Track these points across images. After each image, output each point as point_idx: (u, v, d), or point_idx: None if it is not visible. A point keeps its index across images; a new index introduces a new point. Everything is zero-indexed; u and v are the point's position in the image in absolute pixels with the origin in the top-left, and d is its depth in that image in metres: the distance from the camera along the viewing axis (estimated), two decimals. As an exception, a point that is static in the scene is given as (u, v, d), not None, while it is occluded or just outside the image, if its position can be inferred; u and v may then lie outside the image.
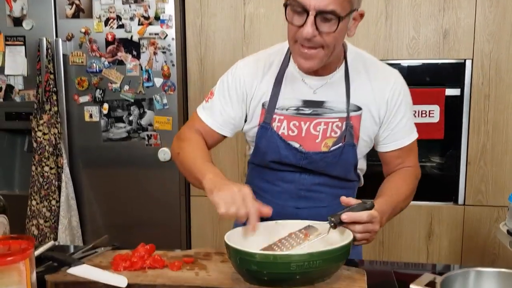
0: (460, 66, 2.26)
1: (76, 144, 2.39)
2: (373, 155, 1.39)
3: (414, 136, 1.33)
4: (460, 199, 2.33)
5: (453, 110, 2.28)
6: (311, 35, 1.09)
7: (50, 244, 1.37)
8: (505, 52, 2.21)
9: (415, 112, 2.26)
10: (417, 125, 2.29)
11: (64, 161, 2.30)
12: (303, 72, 1.23)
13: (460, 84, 2.27)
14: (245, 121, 1.34)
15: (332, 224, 1.07)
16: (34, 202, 2.30)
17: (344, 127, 1.25)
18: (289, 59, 1.28)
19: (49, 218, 2.27)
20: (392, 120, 1.28)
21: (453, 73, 2.28)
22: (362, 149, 1.31)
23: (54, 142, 2.29)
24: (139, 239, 2.39)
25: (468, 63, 2.25)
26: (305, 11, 1.07)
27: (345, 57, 1.26)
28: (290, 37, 1.15)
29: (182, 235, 2.42)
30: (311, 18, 1.07)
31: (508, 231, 1.50)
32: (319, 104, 1.26)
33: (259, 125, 1.29)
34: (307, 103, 1.26)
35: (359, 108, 1.26)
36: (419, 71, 2.31)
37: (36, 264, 1.14)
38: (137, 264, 1.12)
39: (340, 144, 1.26)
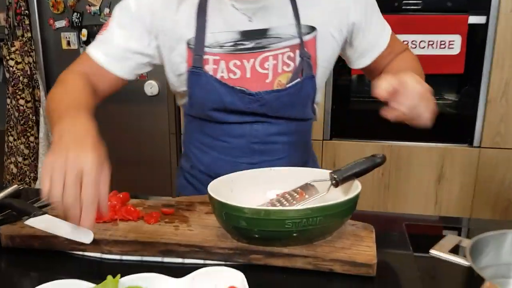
0: (487, -10, 2.00)
1: (54, 75, 2.17)
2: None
3: (388, 29, 1.13)
4: (476, 141, 2.15)
5: (475, 40, 2.04)
6: None
7: (12, 188, 1.20)
8: (540, -27, 1.94)
9: (433, 42, 2.02)
10: (435, 57, 2.06)
11: (41, 93, 2.09)
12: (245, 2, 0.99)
13: (485, 10, 2.01)
14: (161, 63, 1.09)
15: (334, 181, 0.87)
16: (11, 138, 2.12)
17: (298, 57, 1.03)
18: None
19: (28, 156, 2.10)
20: (368, 22, 1.07)
21: (478, -2, 2.02)
22: (321, 79, 1.09)
23: (29, 73, 2.07)
24: (128, 179, 2.25)
25: (496, -13, 1.98)
26: None
27: None
28: None
29: (173, 176, 2.27)
30: None
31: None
32: (261, 33, 1.01)
33: (188, 71, 1.03)
34: (246, 34, 1.01)
35: (313, 29, 1.03)
36: (440, -5, 2.05)
37: (-7, 213, 0.99)
38: (106, 216, 0.95)
39: (297, 80, 1.04)
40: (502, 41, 2.02)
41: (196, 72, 1.02)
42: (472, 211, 2.17)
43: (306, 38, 1.03)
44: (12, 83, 2.05)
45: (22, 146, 2.08)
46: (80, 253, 0.89)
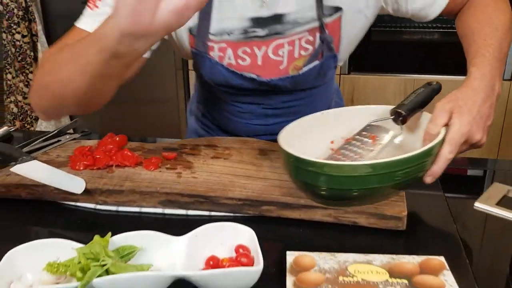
0: None
1: (51, 7, 2.02)
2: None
3: None
4: (507, 73, 1.98)
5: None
6: None
7: (2, 130, 1.11)
8: None
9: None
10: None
11: (39, 27, 1.95)
12: None
13: None
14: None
15: (401, 117, 0.73)
16: (9, 76, 2.01)
17: (318, 40, 0.92)
18: None
19: (28, 94, 1.99)
20: None
21: None
22: (349, 48, 0.98)
23: (23, 5, 1.92)
24: (135, 118, 2.15)
25: None
26: None
27: None
28: None
29: (181, 115, 2.16)
30: None
31: None
32: (275, 19, 0.89)
33: (192, 51, 0.94)
34: (258, 21, 0.89)
35: (337, 9, 0.90)
36: None
37: (-19, 158, 0.90)
38: (100, 162, 0.85)
39: (316, 62, 0.93)
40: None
41: (199, 53, 0.93)
42: (500, 148, 2.05)
43: (328, 20, 0.90)
44: (7, 17, 1.91)
45: (21, 84, 1.98)
46: (73, 203, 0.81)
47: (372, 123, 0.79)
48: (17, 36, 1.93)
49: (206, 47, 0.92)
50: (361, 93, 2.11)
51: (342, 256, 0.59)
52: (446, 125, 0.68)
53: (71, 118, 2.15)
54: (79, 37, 0.72)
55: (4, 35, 1.96)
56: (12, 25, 1.90)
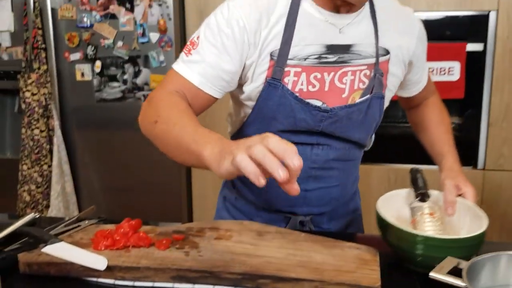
0: (484, 19, 2.07)
1: (67, 105, 2.25)
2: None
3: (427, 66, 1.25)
4: (480, 164, 2.18)
5: (474, 67, 2.09)
6: None
7: (29, 217, 1.25)
8: (536, 2, 2.00)
9: (433, 69, 2.09)
10: (436, 84, 2.11)
11: (56, 123, 2.16)
12: (356, 2, 0.97)
13: (483, 38, 2.08)
14: (242, 78, 1.04)
15: (426, 197, 1.06)
16: (25, 167, 2.18)
17: (372, 74, 1.04)
18: None
19: (41, 184, 2.16)
20: (421, 59, 1.14)
21: (475, 27, 2.09)
22: (386, 103, 1.14)
23: (44, 103, 2.15)
24: (138, 206, 2.30)
25: (493, 15, 2.05)
26: None
27: None
28: None
29: (183, 201, 2.31)
30: None
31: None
32: (346, 48, 1.02)
33: (266, 82, 1.00)
34: (332, 48, 1.01)
35: (387, 52, 1.05)
36: (438, 24, 2.12)
37: (12, 240, 1.04)
38: (119, 243, 0.99)
39: (367, 96, 1.05)
40: (500, 67, 2.07)
41: (273, 83, 1.00)
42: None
43: (382, 59, 1.05)
44: (28, 114, 2.13)
45: (35, 175, 2.15)
46: (94, 279, 0.93)
47: (412, 205, 1.04)
48: (36, 131, 2.14)
49: (283, 72, 0.99)
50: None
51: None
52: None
53: (80, 209, 2.31)
54: (177, 82, 0.97)
55: (23, 130, 2.16)
56: (32, 121, 2.12)
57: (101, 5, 2.14)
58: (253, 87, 1.03)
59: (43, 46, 2.16)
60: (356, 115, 1.05)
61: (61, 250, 0.97)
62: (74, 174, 2.29)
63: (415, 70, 1.15)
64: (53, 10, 2.17)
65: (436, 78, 2.07)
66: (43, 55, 2.16)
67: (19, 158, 2.22)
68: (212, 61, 0.97)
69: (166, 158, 2.44)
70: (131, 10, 2.12)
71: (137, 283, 0.91)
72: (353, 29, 1.02)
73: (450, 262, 0.79)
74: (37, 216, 1.27)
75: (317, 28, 1.00)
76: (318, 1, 1.00)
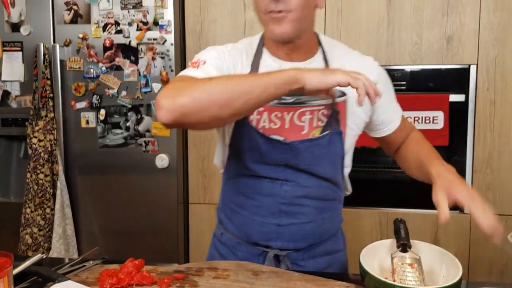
0: (465, 72, 2.21)
1: (72, 150, 2.35)
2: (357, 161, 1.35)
3: (400, 108, 1.34)
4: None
5: (457, 116, 2.22)
6: None
7: (37, 257, 1.32)
8: (511, 57, 2.15)
9: (419, 118, 2.21)
10: (421, 131, 2.25)
11: (60, 168, 2.26)
12: (277, 39, 1.14)
13: (464, 89, 2.21)
14: None
15: (407, 247, 1.11)
16: (28, 210, 2.26)
17: (330, 113, 1.17)
18: (262, 50, 1.20)
19: (43, 227, 2.23)
20: (386, 100, 1.20)
21: (457, 79, 2.23)
22: (349, 140, 1.23)
23: (49, 149, 2.25)
24: (136, 248, 2.36)
25: (473, 69, 2.19)
26: None
27: (320, 43, 1.22)
28: (260, 9, 1.11)
29: (180, 244, 2.38)
30: None
31: (515, 244, 1.44)
32: (302, 90, 1.17)
33: (235, 122, 1.16)
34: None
35: (344, 94, 1.18)
36: (422, 76, 2.26)
37: (20, 280, 1.11)
38: (124, 281, 1.07)
39: (327, 131, 1.17)
40: (481, 116, 2.20)
41: (241, 122, 1.14)
42: (469, 276, 2.25)
43: (338, 100, 1.17)
44: (34, 159, 2.23)
45: (38, 218, 2.22)
46: (101, 315, 1.01)
47: (393, 255, 1.10)
48: (41, 176, 2.23)
49: None
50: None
51: None
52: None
53: (79, 251, 2.37)
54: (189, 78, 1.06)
55: (28, 175, 2.25)
56: (38, 166, 2.21)
57: (107, 57, 2.28)
58: (226, 129, 1.20)
59: (51, 95, 2.28)
60: (318, 150, 1.17)
61: (69, 288, 1.05)
62: (74, 217, 2.36)
63: (380, 110, 1.24)
64: (62, 61, 2.30)
65: (421, 126, 2.20)
66: (51, 103, 2.28)
67: (23, 201, 2.29)
68: (215, 73, 1.12)
69: (165, 202, 2.53)
70: (135, 62, 2.26)
71: (140, 319, 0.99)
72: None
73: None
74: (44, 257, 1.35)
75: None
76: (273, 51, 1.19)
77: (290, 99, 1.15)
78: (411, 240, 1.12)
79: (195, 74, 1.09)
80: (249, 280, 1.08)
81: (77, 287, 1.05)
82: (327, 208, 1.25)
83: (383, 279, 0.98)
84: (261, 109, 1.14)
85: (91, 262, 1.25)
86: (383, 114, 1.27)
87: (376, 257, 1.12)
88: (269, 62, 1.18)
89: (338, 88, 1.15)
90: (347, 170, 1.30)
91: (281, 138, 1.16)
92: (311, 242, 1.25)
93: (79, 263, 1.25)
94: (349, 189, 1.35)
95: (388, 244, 1.18)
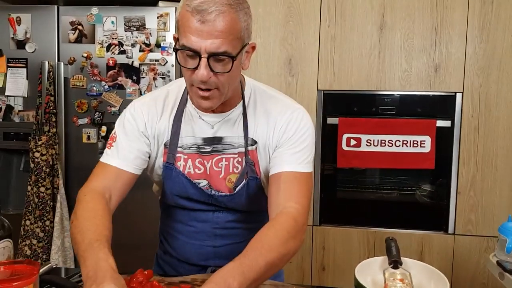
0: (451, 99, 2.33)
1: (72, 165, 2.42)
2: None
3: (307, 168, 1.20)
4: (450, 229, 2.37)
5: (444, 141, 2.34)
6: (206, 77, 1.06)
7: (48, 266, 1.38)
8: (494, 86, 2.29)
9: (407, 142, 2.32)
10: (409, 154, 2.36)
11: (60, 181, 2.32)
12: (203, 111, 1.21)
13: (450, 116, 2.34)
14: (148, 166, 1.28)
15: (398, 264, 1.21)
16: (28, 222, 2.30)
17: (244, 163, 1.24)
18: (187, 98, 1.25)
19: (42, 239, 2.27)
20: (284, 145, 1.22)
21: (444, 105, 2.35)
22: (266, 179, 1.25)
23: (51, 163, 2.32)
24: (133, 261, 2.40)
25: (459, 96, 2.32)
26: (198, 54, 1.04)
27: (242, 93, 1.25)
28: (186, 79, 1.12)
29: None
30: (204, 61, 1.04)
31: (497, 262, 1.54)
32: (218, 140, 1.24)
33: (163, 165, 1.25)
34: (207, 140, 1.24)
35: (255, 142, 1.24)
36: (411, 102, 2.38)
37: (34, 288, 1.17)
38: (134, 290, 1.14)
39: (243, 182, 1.24)
40: (466, 141, 2.32)
41: (169, 166, 1.24)
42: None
43: (250, 148, 1.24)
44: (36, 173, 2.28)
45: (38, 230, 2.27)
46: (114, 322, 1.07)
47: (385, 271, 1.18)
48: (42, 189, 2.29)
49: (174, 157, 1.23)
50: (331, 242, 2.45)
51: None
52: None
53: (76, 264, 2.41)
54: (102, 173, 1.18)
55: (29, 187, 2.31)
56: (40, 179, 2.27)
57: (110, 76, 2.37)
58: (156, 167, 1.28)
59: (54, 111, 2.36)
60: (238, 199, 1.25)
61: (83, 296, 1.11)
62: (73, 231, 2.40)
63: (274, 153, 1.23)
64: (65, 79, 2.38)
65: (410, 150, 2.31)
66: (53, 119, 2.35)
67: (22, 213, 2.34)
68: (125, 146, 1.22)
69: (151, 218, 2.55)
70: (137, 82, 2.35)
71: (150, 326, 1.05)
72: (224, 125, 1.23)
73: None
74: (54, 266, 1.41)
75: (195, 124, 1.24)
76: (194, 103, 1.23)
77: (208, 148, 1.25)
78: (401, 258, 1.22)
79: (110, 161, 1.21)
80: (251, 291, 1.16)
81: None
82: (256, 227, 1.23)
83: None
84: (185, 156, 1.24)
85: (98, 273, 1.31)
86: (276, 154, 1.23)
87: (369, 272, 1.21)
88: (192, 112, 1.24)
89: (252, 136, 1.25)
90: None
91: (205, 182, 1.26)
92: None
93: (87, 274, 1.31)
94: None
95: (380, 261, 1.27)
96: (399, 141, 2.31)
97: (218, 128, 1.24)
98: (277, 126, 1.23)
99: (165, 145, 1.25)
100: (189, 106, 1.25)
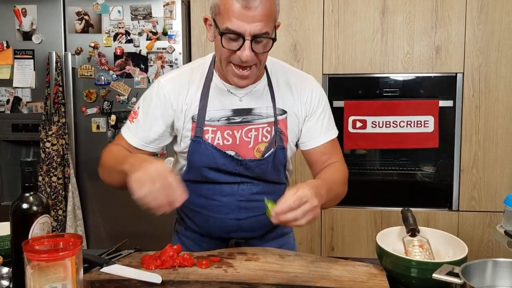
0: (452, 79, 2.40)
1: (82, 154, 2.44)
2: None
3: (334, 134, 1.37)
4: (455, 205, 2.45)
5: (446, 120, 2.40)
6: (250, 57, 1.14)
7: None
8: (493, 66, 2.36)
9: (411, 122, 2.38)
10: (413, 134, 2.43)
11: (71, 171, 2.34)
12: (240, 88, 1.27)
13: (452, 96, 2.41)
14: (176, 137, 1.34)
15: (416, 232, 1.25)
16: (41, 212, 2.33)
17: (273, 132, 1.30)
18: (213, 72, 1.31)
19: (56, 228, 2.30)
20: (311, 119, 1.33)
21: (445, 86, 2.42)
22: (290, 150, 1.36)
23: (61, 153, 2.34)
24: (144, 248, 2.44)
25: (459, 77, 2.39)
26: (241, 36, 1.13)
27: (265, 67, 1.32)
28: (224, 59, 1.19)
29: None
30: (247, 43, 1.12)
31: (505, 232, 1.60)
32: (247, 111, 1.30)
33: (191, 140, 1.29)
34: (236, 112, 1.30)
35: (284, 112, 1.32)
36: (414, 84, 2.44)
37: (68, 265, 1.21)
38: (167, 263, 1.18)
39: (271, 150, 1.30)
40: (468, 120, 2.39)
41: (196, 140, 1.29)
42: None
43: (279, 118, 1.31)
44: (47, 162, 2.31)
45: (51, 219, 2.29)
46: (148, 294, 1.11)
47: (404, 239, 1.24)
48: (54, 178, 2.31)
49: (202, 131, 1.28)
50: (339, 223, 2.51)
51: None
52: None
53: (103, 245, 2.43)
54: (123, 143, 1.31)
55: (40, 178, 2.33)
56: (51, 169, 2.29)
57: (118, 65, 2.39)
58: (183, 145, 1.32)
59: (63, 101, 2.37)
60: (265, 165, 1.31)
61: (119, 270, 1.15)
62: (84, 219, 2.44)
63: (305, 127, 1.34)
64: (73, 69, 2.40)
65: (414, 130, 2.37)
66: (63, 109, 2.37)
67: (34, 204, 2.35)
68: (146, 128, 1.31)
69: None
70: (145, 70, 2.38)
71: (186, 295, 1.10)
72: (252, 96, 1.30)
73: (446, 267, 1.01)
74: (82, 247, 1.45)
75: (224, 97, 1.30)
76: (222, 77, 1.30)
77: (238, 119, 1.30)
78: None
79: (127, 137, 1.32)
80: (278, 262, 1.21)
81: (124, 269, 1.16)
82: (275, 200, 1.32)
83: (402, 256, 1.12)
84: (214, 128, 1.29)
85: (126, 251, 1.35)
86: (308, 130, 1.35)
87: (389, 242, 1.26)
88: (219, 86, 1.30)
89: (280, 107, 1.32)
90: (289, 172, 1.44)
91: (233, 153, 1.30)
92: (266, 230, 1.39)
93: (115, 252, 1.35)
94: (289, 183, 1.47)
95: (397, 230, 1.32)
96: (404, 122, 2.37)
97: (246, 100, 1.30)
98: (303, 98, 1.32)
99: (192, 119, 1.30)
100: (216, 81, 1.30)
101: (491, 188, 2.40)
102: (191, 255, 1.26)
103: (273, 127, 1.31)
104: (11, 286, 1.13)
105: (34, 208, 1.05)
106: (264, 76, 1.33)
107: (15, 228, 1.05)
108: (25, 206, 1.05)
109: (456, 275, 0.97)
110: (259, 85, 1.31)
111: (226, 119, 1.30)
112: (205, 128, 1.29)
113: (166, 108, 1.29)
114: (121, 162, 1.15)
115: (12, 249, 1.07)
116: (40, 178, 2.33)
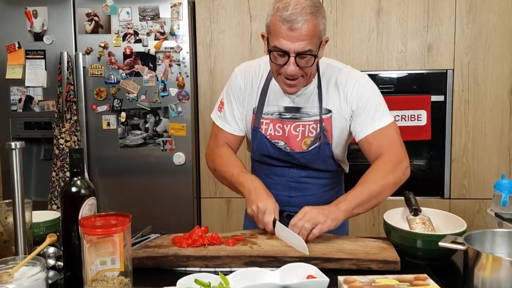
0: (443, 76, 2.56)
1: (93, 150, 2.54)
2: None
3: (385, 121, 1.44)
4: (446, 194, 2.60)
5: (438, 114, 2.56)
6: (294, 72, 1.32)
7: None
8: (481, 62, 2.52)
9: (405, 116, 2.53)
10: (407, 128, 2.57)
11: (84, 167, 2.43)
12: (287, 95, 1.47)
13: (443, 91, 2.56)
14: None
15: (418, 212, 1.42)
16: (54, 207, 2.42)
17: (318, 129, 1.47)
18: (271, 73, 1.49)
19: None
20: (359, 114, 1.44)
21: (437, 82, 2.57)
22: (338, 145, 1.51)
23: (74, 149, 2.43)
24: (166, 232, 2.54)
25: (450, 73, 2.55)
26: (287, 54, 1.30)
27: (318, 71, 1.47)
28: (274, 71, 1.39)
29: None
30: (292, 59, 1.30)
31: (496, 214, 1.75)
32: (296, 109, 1.49)
33: (252, 128, 1.53)
34: (287, 109, 1.50)
35: (329, 111, 1.47)
36: (407, 80, 2.59)
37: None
38: (198, 242, 1.30)
39: (316, 144, 1.48)
40: (458, 114, 2.56)
41: (255, 129, 1.53)
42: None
43: (325, 117, 1.48)
44: (61, 158, 2.40)
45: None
46: (183, 269, 1.23)
47: (408, 217, 1.40)
48: (68, 174, 2.40)
49: (259, 122, 1.51)
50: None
51: (371, 277, 1.06)
52: None
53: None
54: (220, 135, 1.58)
55: (54, 173, 2.42)
56: (65, 165, 2.39)
57: (127, 64, 2.49)
58: (247, 129, 1.58)
59: (75, 99, 2.47)
60: (309, 157, 1.50)
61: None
62: (97, 212, 2.52)
63: (354, 121, 1.46)
64: (84, 68, 2.50)
65: (408, 123, 2.52)
66: (74, 107, 2.46)
67: (48, 199, 2.45)
68: (232, 114, 1.57)
69: (181, 198, 2.71)
70: (154, 69, 2.49)
71: (217, 269, 1.22)
72: (302, 98, 1.48)
73: (449, 238, 1.15)
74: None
75: (279, 96, 1.50)
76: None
77: (288, 115, 1.50)
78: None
79: (219, 124, 1.59)
80: (298, 240, 1.33)
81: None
82: (323, 183, 1.59)
83: (409, 230, 1.26)
84: (268, 121, 1.51)
85: (153, 235, 1.46)
86: (356, 124, 1.46)
87: (394, 221, 1.40)
88: (276, 85, 1.46)
89: (326, 107, 1.48)
90: (342, 162, 1.61)
91: (282, 143, 1.51)
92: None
93: (142, 236, 1.46)
94: (346, 170, 1.68)
95: (401, 211, 1.47)
96: (398, 116, 2.52)
97: (297, 101, 1.49)
98: (348, 96, 1.45)
99: (253, 110, 1.53)
100: (274, 81, 1.47)
101: (480, 176, 2.57)
102: (217, 234, 1.38)
103: (318, 124, 1.47)
104: (56, 264, 1.24)
105: (83, 191, 1.16)
106: (315, 79, 1.48)
107: (65, 210, 1.16)
108: (74, 189, 1.16)
109: (459, 244, 1.11)
110: (309, 88, 1.47)
111: (278, 114, 1.50)
112: (261, 120, 1.52)
113: (241, 97, 1.54)
114: (238, 182, 1.46)
115: (62, 229, 1.17)
116: (53, 174, 2.43)
